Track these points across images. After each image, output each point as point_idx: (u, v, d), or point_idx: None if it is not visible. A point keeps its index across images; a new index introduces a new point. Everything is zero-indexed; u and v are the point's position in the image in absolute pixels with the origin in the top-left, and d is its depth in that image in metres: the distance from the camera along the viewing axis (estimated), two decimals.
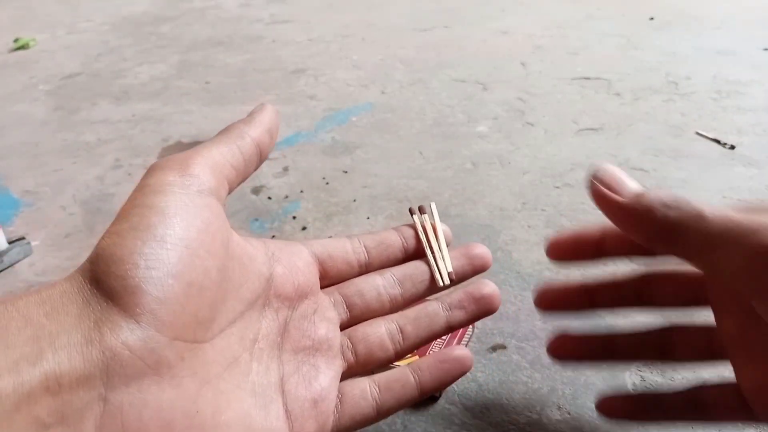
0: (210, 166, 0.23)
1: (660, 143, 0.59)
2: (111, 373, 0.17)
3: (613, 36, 0.95)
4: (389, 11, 1.24)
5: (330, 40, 1.06)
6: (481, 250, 0.29)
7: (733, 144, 0.57)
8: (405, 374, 0.26)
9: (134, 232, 0.20)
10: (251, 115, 0.26)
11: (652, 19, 1.02)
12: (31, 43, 1.21)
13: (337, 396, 0.25)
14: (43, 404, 0.16)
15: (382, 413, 0.26)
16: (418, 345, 0.28)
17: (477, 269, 0.29)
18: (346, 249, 0.29)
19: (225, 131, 0.25)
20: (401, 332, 0.27)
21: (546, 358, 0.34)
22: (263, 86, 0.85)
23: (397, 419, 0.31)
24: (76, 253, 0.49)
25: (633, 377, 0.32)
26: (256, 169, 0.26)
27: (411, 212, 0.31)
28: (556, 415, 0.30)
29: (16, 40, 1.21)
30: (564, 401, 0.31)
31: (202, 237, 0.21)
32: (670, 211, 0.24)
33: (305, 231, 0.49)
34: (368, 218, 0.50)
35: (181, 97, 0.84)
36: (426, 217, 0.30)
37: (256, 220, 0.51)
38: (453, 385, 0.32)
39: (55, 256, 0.49)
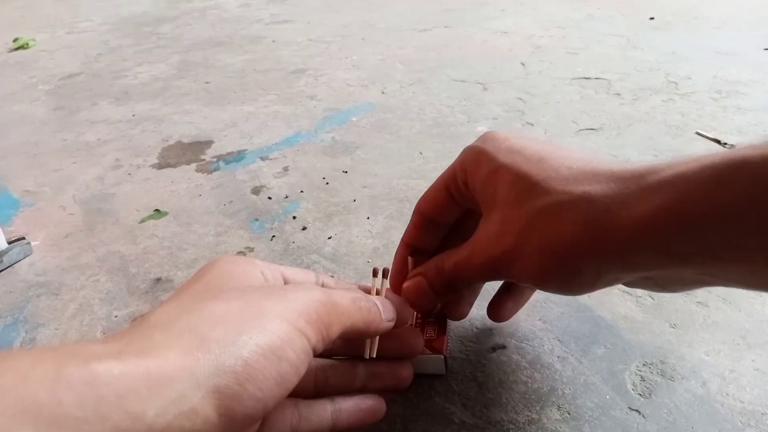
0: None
1: (660, 143, 0.59)
2: None
3: (613, 36, 0.95)
4: (389, 11, 1.24)
5: (330, 40, 1.06)
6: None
7: (734, 144, 0.57)
8: (325, 410, 0.28)
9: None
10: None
11: (652, 19, 1.03)
12: (31, 43, 1.21)
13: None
14: None
15: None
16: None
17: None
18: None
19: (355, 291, 0.29)
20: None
21: (546, 358, 0.34)
22: (263, 86, 0.86)
23: (397, 418, 0.31)
24: (76, 253, 0.49)
25: (633, 377, 0.32)
26: (367, 334, 0.29)
27: (374, 273, 0.31)
28: (556, 415, 0.30)
29: (15, 40, 1.21)
30: (564, 401, 0.31)
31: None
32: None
33: (305, 231, 0.49)
34: (368, 218, 0.50)
35: (181, 97, 0.85)
36: (384, 281, 0.31)
37: (256, 220, 0.51)
38: (452, 384, 0.32)
39: (55, 256, 0.49)
